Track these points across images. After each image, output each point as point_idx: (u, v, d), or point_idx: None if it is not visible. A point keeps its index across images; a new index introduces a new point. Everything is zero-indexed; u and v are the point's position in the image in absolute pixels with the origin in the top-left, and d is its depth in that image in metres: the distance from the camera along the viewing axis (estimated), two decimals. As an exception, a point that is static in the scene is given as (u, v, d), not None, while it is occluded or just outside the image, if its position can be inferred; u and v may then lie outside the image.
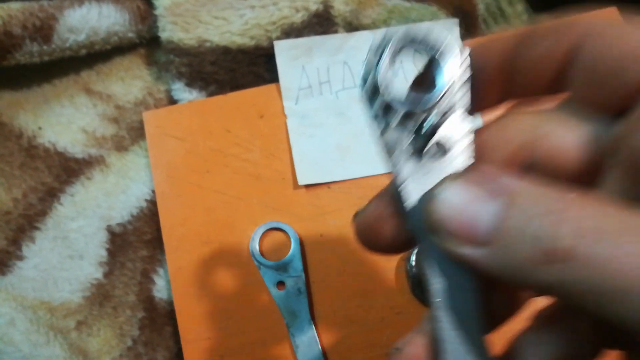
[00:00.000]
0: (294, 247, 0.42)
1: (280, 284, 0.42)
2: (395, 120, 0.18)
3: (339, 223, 0.43)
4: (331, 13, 0.47)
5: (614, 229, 0.14)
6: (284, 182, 0.44)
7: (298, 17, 0.46)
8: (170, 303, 0.43)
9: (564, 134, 0.19)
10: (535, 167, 0.19)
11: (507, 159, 0.19)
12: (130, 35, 0.47)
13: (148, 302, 0.43)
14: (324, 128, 0.45)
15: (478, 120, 0.20)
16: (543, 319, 0.20)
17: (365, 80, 0.18)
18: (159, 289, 0.43)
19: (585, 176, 0.19)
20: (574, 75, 0.18)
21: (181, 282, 0.42)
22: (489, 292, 0.20)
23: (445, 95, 0.17)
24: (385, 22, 0.49)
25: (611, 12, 0.48)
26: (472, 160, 0.18)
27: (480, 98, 0.20)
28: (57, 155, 0.46)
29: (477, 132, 0.19)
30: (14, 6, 0.43)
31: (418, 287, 0.41)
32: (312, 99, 0.46)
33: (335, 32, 0.47)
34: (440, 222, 0.17)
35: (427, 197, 0.17)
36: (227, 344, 0.41)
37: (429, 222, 0.17)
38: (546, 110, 0.20)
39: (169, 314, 0.43)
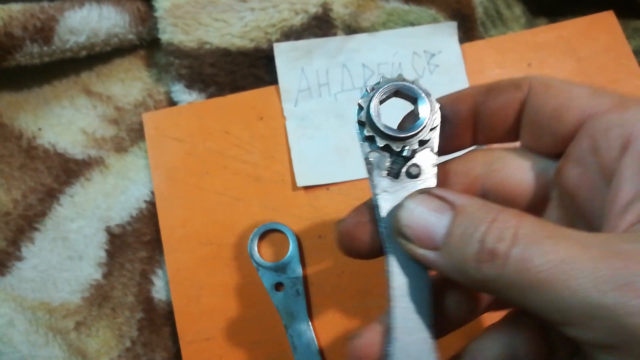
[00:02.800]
0: (292, 248, 0.42)
1: (279, 285, 0.42)
2: (377, 147, 0.23)
3: (336, 224, 0.44)
4: (330, 16, 0.47)
5: (541, 236, 0.17)
6: (283, 183, 0.45)
7: (297, 20, 0.46)
8: (169, 304, 0.43)
9: (513, 170, 0.23)
10: (489, 195, 0.23)
11: (465, 187, 0.23)
12: (131, 37, 0.47)
13: (147, 302, 0.43)
14: (323, 130, 0.46)
15: (443, 157, 0.24)
16: (491, 326, 0.24)
17: (359, 112, 0.23)
18: (158, 290, 0.43)
19: (534, 207, 0.23)
20: (523, 125, 0.23)
21: (180, 283, 0.42)
22: (446, 296, 0.24)
23: (418, 134, 0.22)
24: (384, 25, 0.49)
25: (608, 16, 0.49)
26: (435, 184, 0.23)
27: (453, 141, 0.24)
28: (57, 156, 0.46)
29: (443, 164, 0.23)
30: (15, 7, 0.43)
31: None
32: (311, 101, 0.46)
33: (335, 34, 0.47)
34: (405, 227, 0.20)
35: (397, 207, 0.21)
36: (226, 345, 0.41)
37: (397, 227, 0.21)
38: (503, 150, 0.24)
39: (167, 315, 0.43)
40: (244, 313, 0.42)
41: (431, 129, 0.23)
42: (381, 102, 0.23)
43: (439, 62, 0.47)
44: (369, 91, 0.23)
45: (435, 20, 0.49)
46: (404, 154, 0.22)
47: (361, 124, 0.23)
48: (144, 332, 0.42)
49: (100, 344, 0.42)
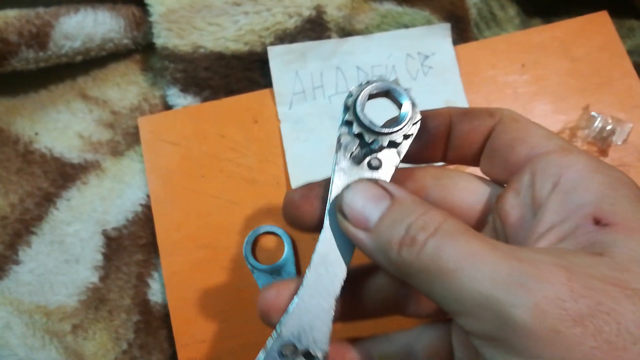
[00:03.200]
0: (287, 250, 0.43)
1: (274, 287, 0.42)
2: (352, 132, 0.24)
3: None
4: (324, 19, 0.47)
5: (459, 233, 0.19)
6: (278, 186, 0.45)
7: (291, 23, 0.47)
8: (165, 306, 0.43)
9: (459, 189, 0.26)
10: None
11: (410, 192, 0.24)
12: (126, 41, 0.48)
13: (143, 305, 0.43)
14: (318, 132, 0.46)
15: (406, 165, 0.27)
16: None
17: (348, 98, 0.25)
18: (154, 293, 0.44)
19: (474, 224, 0.25)
20: (485, 150, 0.25)
21: (176, 286, 0.43)
22: (367, 282, 0.27)
23: (392, 134, 0.24)
24: (378, 27, 0.49)
25: (602, 16, 0.49)
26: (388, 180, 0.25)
27: (424, 152, 0.26)
28: (54, 161, 0.46)
29: (401, 169, 0.25)
30: (10, 13, 0.44)
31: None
32: (305, 104, 0.46)
33: (329, 37, 0.47)
34: (345, 206, 0.22)
35: (345, 187, 0.23)
36: (221, 347, 0.42)
37: (339, 204, 0.23)
38: (456, 170, 0.27)
39: (163, 318, 0.43)
40: (239, 315, 0.42)
41: (405, 136, 0.24)
42: (371, 96, 0.24)
43: (432, 64, 0.47)
44: (364, 83, 0.24)
45: (429, 22, 0.49)
46: (373, 146, 0.24)
47: (346, 108, 0.24)
48: (140, 335, 0.43)
49: (96, 346, 0.42)
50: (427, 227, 0.20)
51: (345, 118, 0.24)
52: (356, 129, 0.24)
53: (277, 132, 0.46)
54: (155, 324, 0.43)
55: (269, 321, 0.26)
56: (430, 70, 0.47)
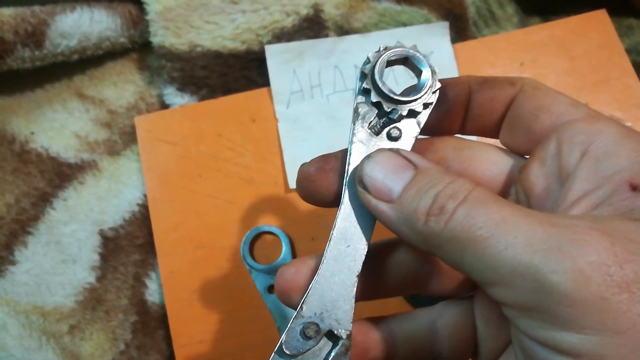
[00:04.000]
0: (285, 250, 0.42)
1: (272, 287, 0.42)
2: (370, 100, 0.23)
3: (330, 226, 0.43)
4: (322, 17, 0.47)
5: (489, 200, 0.19)
6: (276, 186, 0.45)
7: (289, 22, 0.46)
8: (162, 307, 0.43)
9: (480, 160, 0.25)
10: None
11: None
12: (122, 40, 0.47)
13: (140, 306, 0.43)
14: (315, 132, 0.46)
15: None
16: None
17: (365, 64, 0.23)
18: (151, 293, 0.44)
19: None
20: (505, 120, 0.24)
21: (173, 286, 0.42)
22: (389, 258, 0.26)
23: (412, 102, 0.23)
24: (376, 26, 0.49)
25: (600, 15, 0.48)
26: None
27: (442, 123, 0.25)
28: (50, 160, 0.46)
29: (420, 140, 0.25)
30: (6, 12, 0.43)
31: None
32: (303, 103, 0.46)
33: (326, 36, 0.47)
34: (366, 177, 0.21)
35: (365, 157, 0.22)
36: (219, 348, 0.41)
37: (359, 175, 0.22)
38: (477, 141, 0.26)
39: (161, 318, 0.43)
40: (237, 316, 0.42)
41: (425, 104, 0.23)
42: (389, 62, 0.23)
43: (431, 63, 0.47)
44: (382, 49, 0.23)
45: (427, 21, 0.48)
46: (392, 115, 0.23)
47: (364, 75, 0.23)
48: (137, 335, 0.43)
49: (94, 347, 0.42)
50: (456, 195, 0.19)
51: (363, 86, 0.23)
52: (374, 97, 0.23)
53: (274, 131, 0.46)
54: (152, 324, 0.43)
55: (289, 300, 0.24)
56: (428, 69, 0.47)
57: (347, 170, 0.23)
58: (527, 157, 0.24)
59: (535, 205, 0.22)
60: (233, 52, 0.46)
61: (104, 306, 0.43)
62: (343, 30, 0.48)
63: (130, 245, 0.44)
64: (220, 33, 0.46)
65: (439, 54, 0.47)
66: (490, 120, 0.25)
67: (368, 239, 0.23)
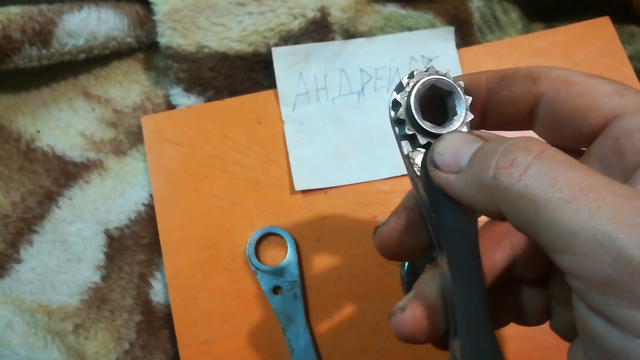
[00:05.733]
0: (290, 252, 0.43)
1: (277, 288, 0.42)
2: (417, 145, 0.22)
3: (335, 228, 0.44)
4: (328, 20, 0.47)
5: (562, 158, 0.17)
6: (281, 187, 0.45)
7: (296, 24, 0.47)
8: (167, 307, 0.43)
9: None
10: None
11: None
12: (129, 40, 0.47)
13: (145, 305, 0.43)
14: (321, 134, 0.46)
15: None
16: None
17: (396, 109, 0.22)
18: (156, 293, 0.44)
19: None
20: (540, 117, 0.23)
21: (178, 286, 0.43)
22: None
23: (458, 128, 0.22)
24: (382, 30, 0.49)
25: (603, 22, 0.49)
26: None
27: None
28: (56, 159, 0.46)
29: None
30: (14, 10, 0.43)
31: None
32: (309, 105, 0.47)
33: (333, 39, 0.47)
34: (437, 155, 0.21)
35: (437, 139, 0.22)
36: (224, 348, 0.42)
37: (430, 155, 0.21)
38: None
39: (166, 318, 0.43)
40: (242, 316, 0.42)
41: (466, 123, 0.23)
42: (419, 97, 0.22)
43: (436, 67, 0.47)
44: (405, 85, 0.22)
45: (432, 25, 0.49)
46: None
47: (399, 122, 0.22)
48: (142, 335, 0.43)
49: (98, 346, 0.42)
50: (530, 149, 0.18)
51: (407, 132, 0.22)
52: (422, 139, 0.22)
53: (280, 133, 0.46)
54: (157, 324, 0.43)
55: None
56: (433, 73, 0.47)
57: (434, 226, 0.22)
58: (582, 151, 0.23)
59: None
60: (240, 54, 0.47)
61: (108, 305, 0.43)
62: (349, 34, 0.49)
63: (135, 244, 0.44)
64: (227, 35, 0.46)
65: (444, 58, 0.48)
66: (514, 119, 0.24)
67: (482, 279, 0.22)
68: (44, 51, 0.44)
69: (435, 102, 0.23)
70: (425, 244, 0.24)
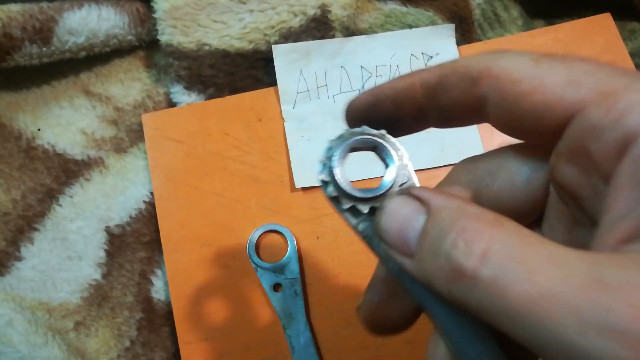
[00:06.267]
0: (290, 249, 0.43)
1: (277, 285, 0.42)
2: (360, 215, 0.21)
3: (336, 226, 0.44)
4: (329, 18, 0.47)
5: (517, 255, 0.15)
6: (282, 184, 0.45)
7: (296, 22, 0.47)
8: (168, 304, 0.43)
9: (507, 175, 0.21)
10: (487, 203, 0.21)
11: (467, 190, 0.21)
12: (130, 38, 0.47)
13: (146, 303, 0.43)
14: (322, 132, 0.46)
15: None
16: None
17: (325, 188, 0.21)
18: (157, 290, 0.44)
19: (534, 203, 0.21)
20: (492, 115, 0.20)
21: (179, 284, 0.43)
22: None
23: (389, 190, 0.21)
24: (382, 27, 0.49)
25: (605, 18, 0.49)
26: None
27: (408, 127, 0.22)
28: (56, 157, 0.46)
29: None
30: (14, 8, 0.43)
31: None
32: (309, 103, 0.46)
33: (333, 36, 0.47)
34: (383, 232, 0.19)
35: (378, 209, 0.19)
36: (224, 345, 0.42)
37: (376, 231, 0.19)
38: (487, 153, 0.22)
39: (166, 315, 0.43)
40: (242, 314, 0.42)
41: (403, 169, 0.21)
42: (353, 149, 0.21)
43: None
44: (325, 161, 0.21)
45: (433, 23, 0.49)
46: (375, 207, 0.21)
47: (334, 199, 0.21)
48: (143, 332, 0.43)
49: (99, 343, 0.42)
50: (472, 251, 0.15)
51: (344, 206, 0.21)
52: (364, 208, 0.21)
53: (281, 130, 0.46)
54: (158, 321, 0.43)
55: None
56: (434, 70, 0.47)
57: (403, 285, 0.20)
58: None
59: (587, 208, 0.18)
60: (240, 52, 0.46)
61: (109, 303, 0.43)
62: (349, 31, 0.49)
63: (136, 242, 0.44)
64: (227, 32, 0.46)
65: (445, 55, 0.48)
66: (460, 119, 0.21)
67: (487, 330, 0.19)
68: (44, 49, 0.44)
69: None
70: (414, 309, 0.22)
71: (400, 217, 0.18)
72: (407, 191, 0.19)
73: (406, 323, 0.22)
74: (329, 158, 0.21)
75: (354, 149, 0.21)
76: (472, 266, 0.15)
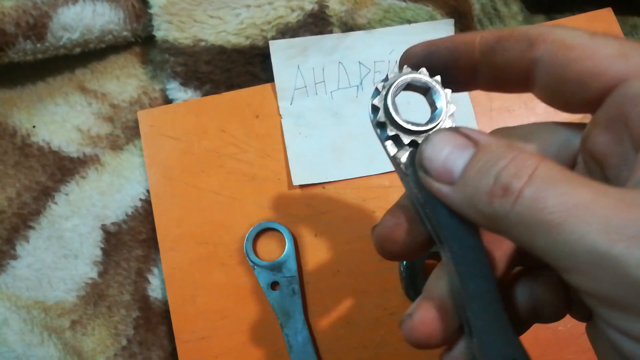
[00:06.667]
0: (288, 247, 0.42)
1: (275, 284, 0.42)
2: (401, 145, 0.22)
3: (333, 223, 0.44)
4: (326, 13, 0.47)
5: (558, 178, 0.17)
6: (279, 182, 0.44)
7: (293, 17, 0.46)
8: (164, 302, 0.43)
9: (539, 141, 0.23)
10: None
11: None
12: (125, 33, 0.47)
13: (143, 301, 0.43)
14: (319, 128, 0.45)
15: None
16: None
17: (376, 114, 0.23)
18: (154, 289, 0.43)
19: None
20: (538, 82, 0.22)
21: (176, 282, 0.42)
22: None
23: (439, 124, 0.22)
24: (381, 22, 0.49)
25: (606, 13, 0.48)
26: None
27: (458, 82, 0.23)
28: (52, 154, 0.46)
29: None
30: (7, 4, 0.43)
31: (411, 288, 0.41)
32: (307, 99, 0.46)
33: (331, 32, 0.47)
34: (426, 160, 0.20)
35: (424, 141, 0.21)
36: (221, 344, 0.41)
37: (418, 159, 0.21)
38: (521, 126, 0.24)
39: (163, 314, 0.43)
40: (239, 312, 0.42)
41: (450, 116, 0.22)
42: (395, 96, 0.23)
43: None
44: (381, 89, 0.22)
45: (432, 18, 0.48)
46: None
47: (380, 125, 0.23)
48: (139, 331, 0.42)
49: (96, 342, 0.42)
50: (520, 173, 0.17)
51: (389, 134, 0.22)
52: (406, 139, 0.22)
53: (278, 127, 0.46)
54: (155, 320, 0.43)
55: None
56: (433, 66, 0.47)
57: (432, 222, 0.22)
58: (585, 121, 0.22)
59: (612, 174, 0.20)
60: (237, 48, 0.46)
61: (106, 301, 0.43)
62: (347, 27, 0.48)
63: (132, 240, 0.44)
64: (224, 28, 0.46)
65: (444, 51, 0.47)
66: (509, 81, 0.23)
67: (490, 269, 0.21)
68: (38, 45, 0.44)
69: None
70: (424, 240, 0.23)
71: (448, 148, 0.20)
72: (455, 128, 0.21)
73: (412, 252, 0.24)
74: (385, 87, 0.22)
75: (409, 86, 0.23)
76: (519, 184, 0.17)
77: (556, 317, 0.24)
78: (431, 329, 0.22)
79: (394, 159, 0.23)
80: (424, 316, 0.22)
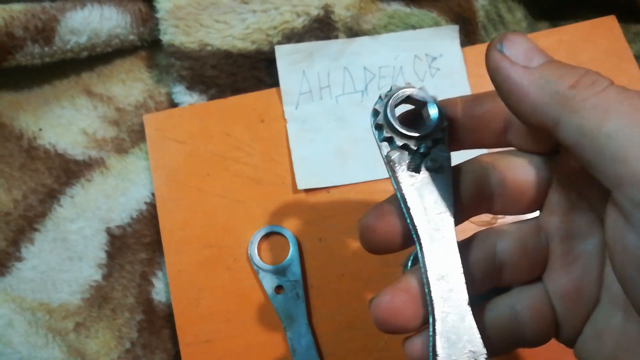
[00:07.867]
0: (292, 251, 0.42)
1: (279, 288, 0.42)
2: (397, 146, 0.25)
3: (338, 228, 0.44)
4: (332, 18, 0.47)
5: (625, 97, 0.18)
6: (284, 186, 0.45)
7: (299, 22, 0.46)
8: (168, 306, 0.43)
9: (513, 168, 0.25)
10: (495, 192, 0.25)
11: (474, 183, 0.25)
12: (132, 37, 0.47)
13: (147, 304, 0.43)
14: (324, 133, 0.46)
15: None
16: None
17: (376, 117, 0.25)
18: (158, 292, 0.43)
19: (538, 193, 0.25)
20: (511, 131, 0.24)
21: (180, 285, 0.42)
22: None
23: (432, 133, 0.25)
24: (386, 28, 0.49)
25: (609, 21, 0.49)
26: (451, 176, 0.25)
27: (452, 142, 0.26)
28: (57, 157, 0.46)
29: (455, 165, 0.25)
30: (16, 7, 0.43)
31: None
32: (312, 104, 0.46)
33: (336, 37, 0.47)
34: (508, 41, 0.21)
35: (498, 36, 0.21)
36: (225, 348, 0.41)
37: (500, 38, 0.21)
38: (502, 152, 0.26)
39: (167, 317, 0.43)
40: (243, 316, 0.42)
41: (441, 129, 0.25)
42: (395, 106, 0.25)
43: (440, 66, 0.47)
44: (383, 98, 0.25)
45: (436, 24, 0.49)
46: (422, 150, 0.25)
47: (378, 127, 0.25)
48: (143, 334, 0.42)
49: (99, 345, 0.42)
50: (606, 78, 0.19)
51: (385, 135, 0.25)
52: (399, 141, 0.25)
53: (283, 131, 0.46)
54: (158, 323, 0.43)
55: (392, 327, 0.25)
56: (437, 72, 0.47)
57: (411, 215, 0.24)
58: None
59: (587, 187, 0.22)
60: (243, 52, 0.46)
61: (110, 304, 0.43)
62: (352, 32, 0.48)
63: (137, 243, 0.44)
64: (230, 32, 0.46)
65: (448, 57, 0.47)
66: (489, 133, 0.25)
67: (460, 265, 0.24)
68: (46, 49, 0.44)
69: (415, 120, 0.26)
70: (403, 232, 0.25)
71: (530, 43, 0.21)
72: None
73: (390, 244, 0.25)
74: (387, 95, 0.25)
75: (409, 98, 0.25)
76: (606, 82, 0.18)
77: (539, 339, 0.25)
78: (396, 310, 0.24)
79: (386, 158, 0.25)
80: (392, 298, 0.24)
